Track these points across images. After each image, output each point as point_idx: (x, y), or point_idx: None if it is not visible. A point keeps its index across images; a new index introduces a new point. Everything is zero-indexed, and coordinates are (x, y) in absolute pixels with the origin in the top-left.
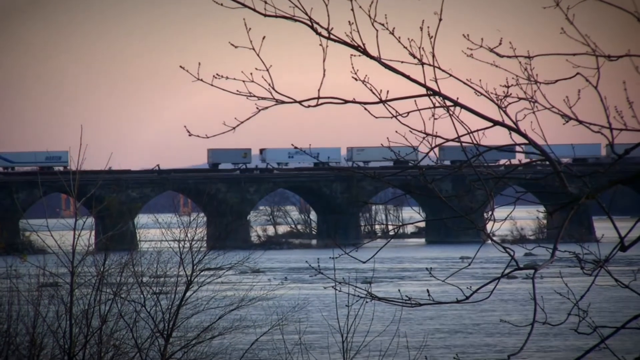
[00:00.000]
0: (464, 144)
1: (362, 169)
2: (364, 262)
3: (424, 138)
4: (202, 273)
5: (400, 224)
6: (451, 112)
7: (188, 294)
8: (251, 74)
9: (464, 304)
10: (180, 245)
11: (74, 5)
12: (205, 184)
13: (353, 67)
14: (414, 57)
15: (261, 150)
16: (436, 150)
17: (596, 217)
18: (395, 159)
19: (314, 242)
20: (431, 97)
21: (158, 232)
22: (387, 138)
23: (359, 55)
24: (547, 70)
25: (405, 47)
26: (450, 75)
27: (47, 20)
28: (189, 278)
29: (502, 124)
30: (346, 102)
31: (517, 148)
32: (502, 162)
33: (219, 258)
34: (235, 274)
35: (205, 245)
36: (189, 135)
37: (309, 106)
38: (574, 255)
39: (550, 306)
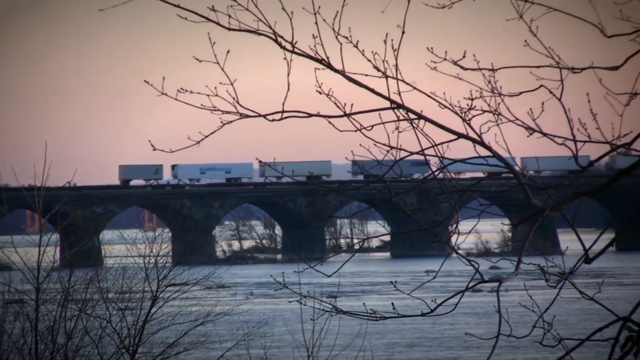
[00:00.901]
0: (428, 157)
1: (326, 183)
2: (329, 276)
3: (388, 151)
4: (167, 288)
5: (365, 237)
6: (415, 125)
7: (153, 309)
8: (215, 88)
9: (429, 317)
10: (146, 261)
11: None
12: (170, 199)
13: (317, 81)
14: (378, 70)
15: (173, 167)
16: (400, 163)
17: (561, 229)
18: (360, 172)
19: (279, 256)
20: (395, 110)
21: (123, 247)
22: (352, 151)
23: (323, 69)
24: (511, 82)
25: (369, 60)
26: (414, 88)
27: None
28: (154, 294)
29: (467, 137)
30: (310, 115)
31: (482, 161)
32: (466, 175)
33: (185, 273)
34: (201, 290)
35: (170, 260)
36: (153, 149)
37: (273, 120)
38: (539, 268)
39: (514, 319)
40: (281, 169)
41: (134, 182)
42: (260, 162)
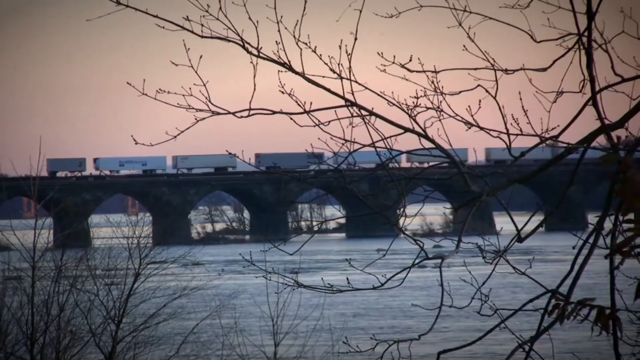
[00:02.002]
0: (378, 149)
1: (289, 172)
2: (291, 255)
3: (343, 144)
4: (148, 266)
5: (323, 220)
6: (367, 121)
7: (136, 284)
8: (190, 88)
9: (380, 290)
10: (129, 242)
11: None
12: (151, 187)
13: (280, 82)
14: (334, 72)
15: (95, 160)
16: (354, 154)
17: (496, 212)
18: (315, 163)
19: (247, 237)
20: (349, 108)
21: (109, 230)
22: (311, 144)
23: (285, 71)
24: (451, 82)
25: (326, 64)
26: (366, 88)
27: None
28: (137, 271)
29: (413, 131)
30: (274, 112)
31: (426, 152)
32: (413, 164)
33: (163, 253)
34: (178, 267)
35: (151, 241)
36: (135, 143)
37: (242, 117)
38: (477, 246)
39: (455, 292)
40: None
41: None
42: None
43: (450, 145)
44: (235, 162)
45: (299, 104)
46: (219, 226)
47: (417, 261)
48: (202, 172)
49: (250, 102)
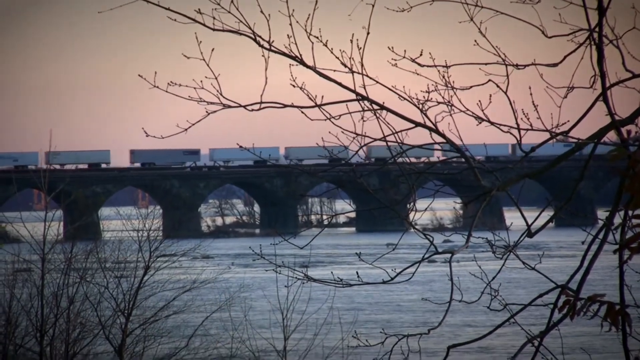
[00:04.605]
0: (389, 143)
1: (299, 166)
2: (301, 248)
3: (354, 138)
4: (158, 259)
5: (333, 214)
6: (378, 115)
7: (146, 277)
8: (201, 81)
9: (389, 285)
10: (139, 235)
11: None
12: (161, 180)
13: (292, 75)
14: (345, 66)
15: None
16: (365, 148)
17: (506, 207)
18: (328, 156)
19: (257, 231)
20: (360, 102)
21: (119, 223)
22: (322, 138)
23: (297, 65)
24: (462, 77)
25: (338, 58)
26: (377, 82)
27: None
28: (146, 263)
29: (423, 125)
30: (285, 106)
31: (437, 146)
32: (423, 159)
33: (173, 246)
34: (188, 260)
35: (161, 234)
36: (146, 136)
37: (253, 110)
38: (487, 241)
39: (465, 286)
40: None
41: None
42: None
43: (461, 140)
44: (109, 157)
45: (310, 98)
46: (229, 219)
47: (426, 256)
48: (210, 165)
49: (261, 96)
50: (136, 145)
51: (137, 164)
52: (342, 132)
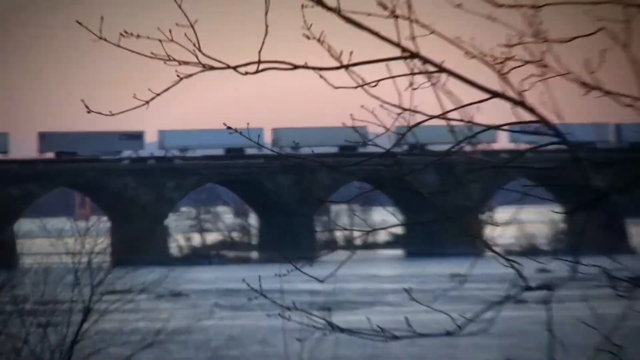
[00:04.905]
0: (451, 123)
1: (316, 157)
2: (321, 282)
3: (399, 115)
4: (104, 297)
5: (370, 229)
6: (434, 81)
7: (86, 325)
8: (170, 31)
9: (455, 338)
10: (76, 260)
11: None
12: (109, 177)
13: (305, 22)
14: (385, 8)
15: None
16: (415, 130)
17: (632, 219)
18: (355, 141)
19: (254, 254)
20: (408, 61)
21: (46, 242)
22: (350, 115)
23: (312, 6)
24: (561, 24)
25: None
26: (433, 32)
27: None
28: (87, 304)
29: (502, 96)
30: (296, 67)
31: (523, 128)
32: (502, 146)
33: (127, 277)
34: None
35: (108, 260)
36: (88, 112)
37: (247, 73)
38: (603, 271)
39: (572, 340)
40: None
41: None
42: None
43: (560, 117)
44: (6, 144)
45: (332, 56)
46: (212, 237)
47: (512, 293)
48: (189, 156)
49: (259, 52)
50: (48, 127)
51: (50, 154)
52: (381, 106)
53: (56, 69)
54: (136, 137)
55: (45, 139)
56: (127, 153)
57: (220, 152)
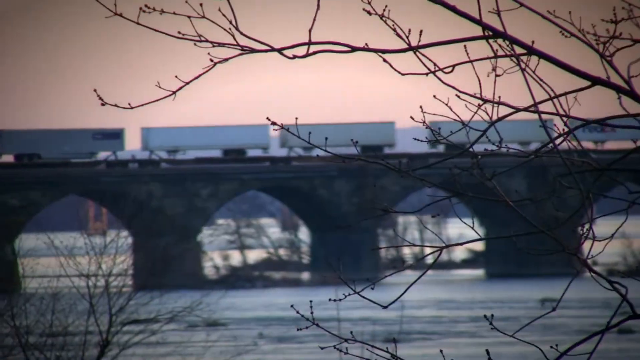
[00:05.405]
0: (543, 116)
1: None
2: (385, 307)
3: (479, 106)
4: (125, 328)
5: (444, 246)
6: (523, 66)
7: None
8: (201, 5)
9: None
10: (91, 284)
11: None
12: (130, 183)
13: None
14: None
15: None
16: (500, 125)
17: None
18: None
19: (305, 275)
20: (490, 41)
21: (54, 261)
22: (420, 107)
23: None
24: None
25: None
26: (522, 5)
27: None
28: (104, 336)
29: (606, 83)
30: (354, 49)
31: (631, 122)
32: (606, 145)
33: (153, 303)
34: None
35: (130, 282)
36: (102, 104)
37: (295, 57)
38: None
39: None
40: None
41: None
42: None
43: None
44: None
45: (398, 35)
46: (254, 255)
47: (615, 321)
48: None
49: (309, 31)
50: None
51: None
52: (458, 96)
53: (45, 53)
54: (114, 135)
55: (3, 138)
56: (102, 154)
57: (217, 153)
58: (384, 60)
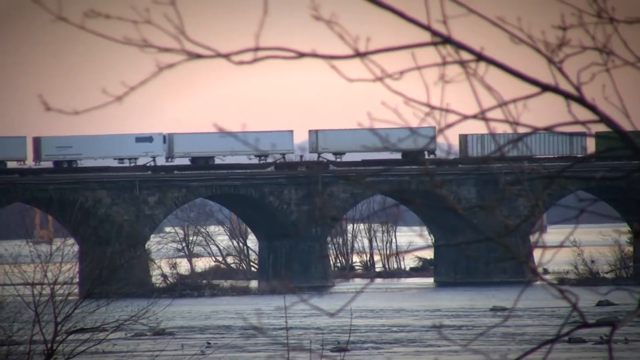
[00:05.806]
0: (492, 124)
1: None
2: (332, 315)
3: (427, 114)
4: (70, 337)
5: (394, 252)
6: (472, 72)
7: None
8: (147, 10)
9: None
10: (36, 292)
11: None
12: (77, 190)
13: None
14: None
15: None
16: (449, 132)
17: None
18: (382, 146)
19: (253, 284)
20: (439, 47)
21: None
22: (368, 113)
23: None
24: (627, 1)
25: None
26: (471, 11)
27: None
28: (49, 345)
29: (555, 90)
30: (302, 55)
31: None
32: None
33: (99, 312)
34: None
35: (76, 291)
36: (46, 109)
37: (242, 63)
38: None
39: None
40: None
41: None
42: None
43: (627, 117)
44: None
45: (345, 41)
46: (203, 263)
47: (565, 330)
48: (175, 164)
49: (256, 37)
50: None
51: None
52: (406, 104)
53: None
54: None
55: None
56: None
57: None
58: (332, 66)
